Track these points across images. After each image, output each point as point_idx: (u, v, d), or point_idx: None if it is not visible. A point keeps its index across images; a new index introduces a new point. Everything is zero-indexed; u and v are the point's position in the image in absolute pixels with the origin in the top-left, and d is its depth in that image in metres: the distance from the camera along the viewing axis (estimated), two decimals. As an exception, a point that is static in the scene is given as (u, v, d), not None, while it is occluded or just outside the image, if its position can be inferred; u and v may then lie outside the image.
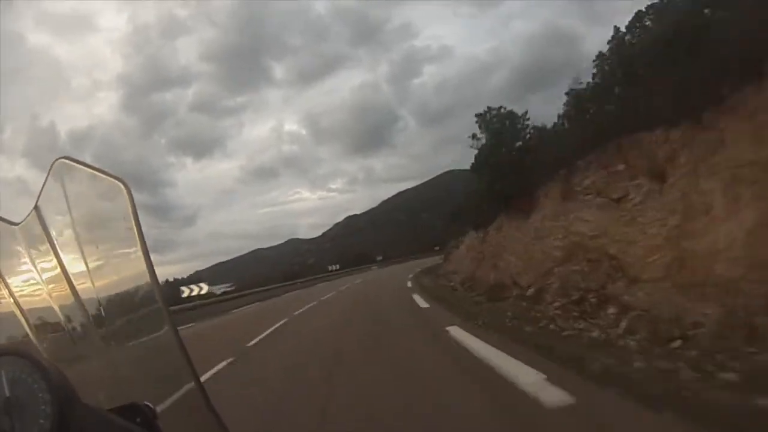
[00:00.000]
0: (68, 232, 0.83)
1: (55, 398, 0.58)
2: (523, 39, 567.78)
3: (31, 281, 0.88)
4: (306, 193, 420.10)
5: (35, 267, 0.87)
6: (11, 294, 0.86)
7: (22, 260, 0.88)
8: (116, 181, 0.73)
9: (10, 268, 0.88)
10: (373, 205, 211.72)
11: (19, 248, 0.87)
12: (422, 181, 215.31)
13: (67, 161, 0.81)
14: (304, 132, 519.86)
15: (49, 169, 0.82)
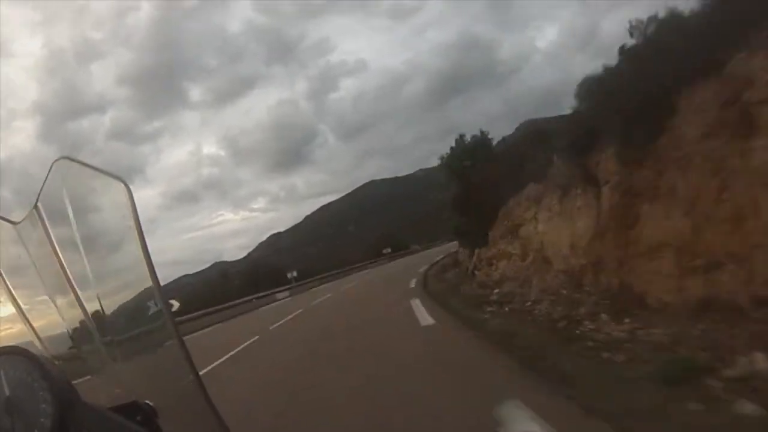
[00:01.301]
0: (68, 231, 0.83)
1: (55, 397, 0.58)
2: (437, 48, 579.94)
3: (31, 280, 0.87)
4: (229, 215, 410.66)
5: (35, 266, 0.86)
6: (11, 293, 0.85)
7: (22, 259, 0.87)
8: (116, 180, 0.73)
9: (10, 266, 0.87)
10: (297, 221, 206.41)
11: (19, 247, 0.86)
12: (344, 194, 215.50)
13: (67, 160, 0.81)
14: (223, 153, 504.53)
15: (50, 168, 0.81)
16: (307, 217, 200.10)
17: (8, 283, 0.85)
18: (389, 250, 42.21)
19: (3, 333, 0.88)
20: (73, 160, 0.81)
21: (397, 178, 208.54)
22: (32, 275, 0.86)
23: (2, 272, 0.85)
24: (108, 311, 0.83)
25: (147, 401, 0.71)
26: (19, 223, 0.84)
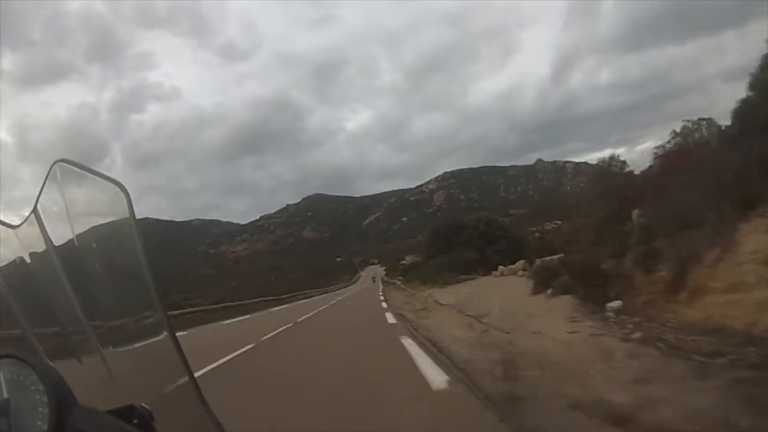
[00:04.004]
0: (66, 235, 0.83)
1: (52, 400, 0.59)
2: (250, 100, 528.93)
3: (29, 284, 0.87)
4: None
5: (33, 269, 0.86)
6: (10, 296, 0.84)
7: (21, 263, 0.86)
8: (114, 185, 0.74)
9: (9, 270, 0.87)
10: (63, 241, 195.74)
11: (18, 251, 0.85)
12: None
13: (65, 164, 0.81)
14: (9, 140, 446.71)
15: (48, 172, 0.82)
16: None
17: (6, 286, 0.85)
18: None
19: (1, 336, 0.86)
20: (71, 163, 0.81)
21: (172, 222, 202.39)
22: (30, 279, 0.86)
23: (1, 276, 0.84)
24: (106, 315, 0.83)
25: (143, 404, 0.72)
26: (18, 226, 0.84)
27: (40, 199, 0.82)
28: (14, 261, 0.87)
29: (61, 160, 0.81)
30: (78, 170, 0.80)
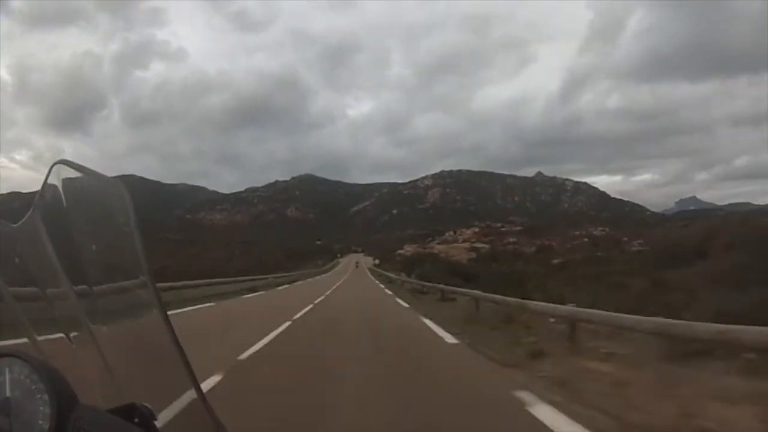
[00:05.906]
0: (66, 235, 0.83)
1: (54, 399, 0.59)
2: (257, 73, 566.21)
3: (29, 283, 0.87)
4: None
5: (33, 269, 0.86)
6: (9, 296, 0.84)
7: (20, 263, 0.86)
8: (114, 185, 0.75)
9: (8, 270, 0.86)
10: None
11: (17, 251, 0.85)
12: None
13: (65, 165, 0.82)
14: (9, 79, 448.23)
15: (48, 172, 0.82)
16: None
17: (7, 286, 0.85)
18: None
19: (1, 336, 0.87)
20: (70, 164, 0.82)
21: (158, 183, 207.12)
22: (30, 279, 0.86)
23: (0, 275, 0.84)
24: (106, 314, 0.84)
25: (145, 403, 0.72)
26: (17, 226, 0.84)
27: (39, 199, 0.82)
28: (14, 260, 0.87)
29: (61, 161, 0.81)
30: (78, 171, 0.80)
